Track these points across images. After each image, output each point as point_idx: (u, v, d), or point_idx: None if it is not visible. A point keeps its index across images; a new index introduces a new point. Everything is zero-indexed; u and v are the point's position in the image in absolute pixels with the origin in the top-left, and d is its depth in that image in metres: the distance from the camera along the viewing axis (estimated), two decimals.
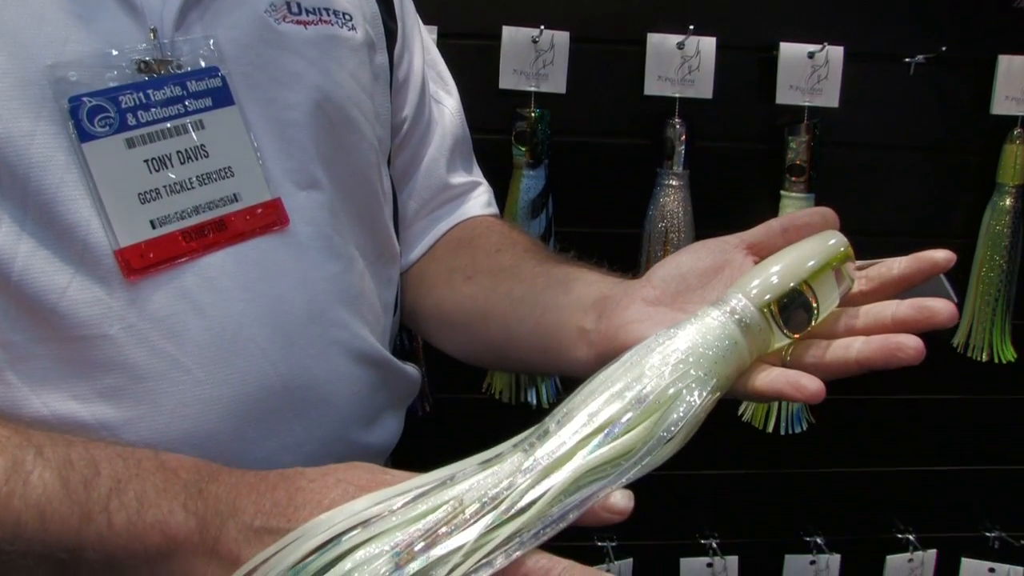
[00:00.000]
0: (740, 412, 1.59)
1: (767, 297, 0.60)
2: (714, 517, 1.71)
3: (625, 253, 1.48)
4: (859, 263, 0.66)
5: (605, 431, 0.55)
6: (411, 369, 0.91)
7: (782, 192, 1.48)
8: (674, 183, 1.43)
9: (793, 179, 1.47)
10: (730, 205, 1.50)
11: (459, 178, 1.00)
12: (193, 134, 0.69)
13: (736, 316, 0.59)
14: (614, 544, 1.66)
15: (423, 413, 1.40)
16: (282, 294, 0.73)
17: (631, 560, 1.68)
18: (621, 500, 0.53)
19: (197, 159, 0.69)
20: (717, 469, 1.67)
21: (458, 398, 1.51)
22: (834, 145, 1.50)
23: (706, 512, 1.71)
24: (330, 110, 0.77)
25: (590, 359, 0.71)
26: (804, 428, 1.59)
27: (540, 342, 0.79)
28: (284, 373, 0.72)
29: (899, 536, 1.75)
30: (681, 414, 0.56)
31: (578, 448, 0.54)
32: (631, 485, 0.54)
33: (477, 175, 1.04)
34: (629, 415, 0.55)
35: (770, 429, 1.57)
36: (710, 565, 1.70)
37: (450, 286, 0.92)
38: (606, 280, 0.77)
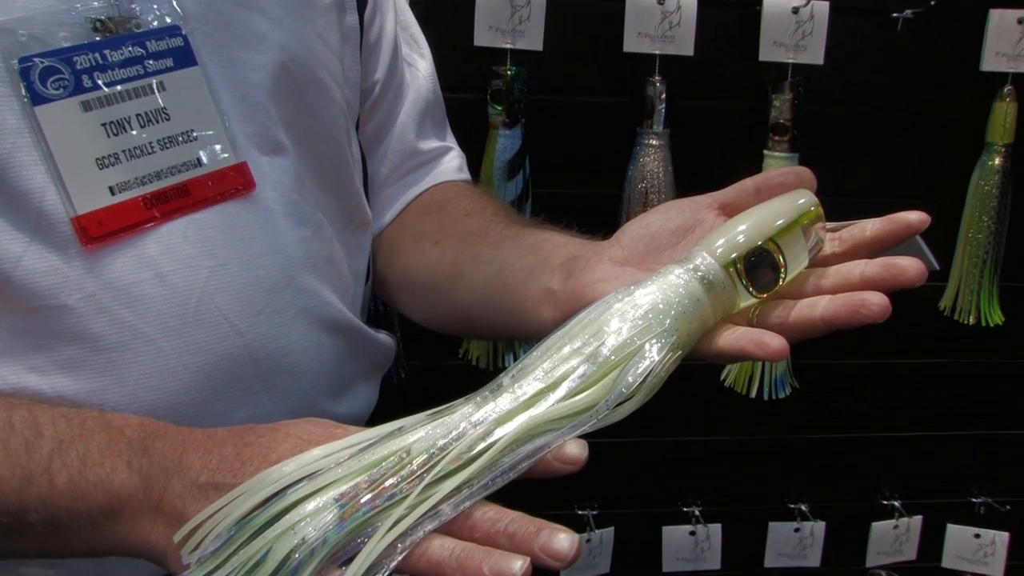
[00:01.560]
0: (723, 377, 1.59)
1: (733, 255, 0.61)
2: (697, 485, 1.73)
3: (604, 214, 1.48)
4: (832, 224, 0.67)
5: (561, 386, 0.55)
6: (384, 337, 0.91)
7: (765, 152, 1.48)
8: (654, 143, 1.43)
9: (776, 138, 1.47)
10: (712, 165, 1.50)
11: (430, 143, 1.00)
12: (154, 96, 0.69)
13: (699, 273, 0.60)
14: (595, 512, 1.68)
15: (398, 380, 1.41)
16: (248, 261, 0.73)
17: (612, 529, 1.70)
18: (575, 449, 0.53)
19: (158, 122, 0.69)
20: (699, 435, 1.69)
21: (434, 364, 1.51)
22: (819, 103, 1.50)
23: (689, 480, 1.72)
24: (296, 72, 0.77)
25: (556, 320, 0.71)
26: (788, 393, 1.60)
27: (506, 304, 0.79)
28: (250, 342, 0.73)
29: (885, 503, 1.77)
30: (640, 371, 0.56)
31: (532, 402, 0.55)
32: (595, 438, 0.54)
33: (450, 140, 1.04)
34: (586, 371, 0.56)
35: (753, 394, 1.57)
36: (693, 533, 1.72)
37: (418, 251, 0.92)
38: (574, 241, 0.78)
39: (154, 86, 0.69)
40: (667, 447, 1.68)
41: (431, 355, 1.51)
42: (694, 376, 1.57)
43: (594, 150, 1.49)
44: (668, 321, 0.58)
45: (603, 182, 1.49)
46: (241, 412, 0.73)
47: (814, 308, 0.60)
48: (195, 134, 0.70)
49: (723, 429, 1.69)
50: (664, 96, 1.42)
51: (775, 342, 0.58)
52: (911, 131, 1.55)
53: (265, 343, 0.74)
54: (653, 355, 0.57)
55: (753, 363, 1.56)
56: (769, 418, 1.67)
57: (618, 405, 0.55)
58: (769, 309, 0.63)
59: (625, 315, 0.58)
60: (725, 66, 1.48)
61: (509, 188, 1.43)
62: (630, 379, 0.56)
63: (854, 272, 0.62)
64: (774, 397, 1.59)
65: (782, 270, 0.62)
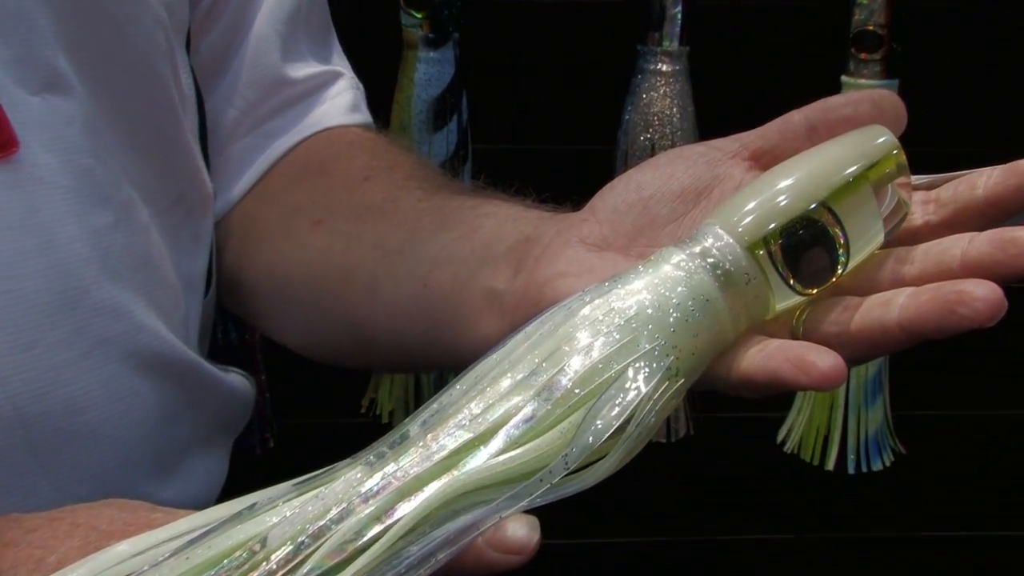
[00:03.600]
0: (780, 439, 1.60)
1: (765, 230, 0.60)
2: None
3: (588, 182, 1.47)
4: (923, 179, 0.66)
5: (497, 436, 0.55)
6: (237, 379, 0.92)
7: (844, 79, 1.49)
8: (665, 68, 1.44)
9: (863, 57, 1.47)
10: (756, 103, 1.49)
11: (306, 67, 1.01)
12: None
13: (710, 260, 0.60)
14: None
15: (262, 451, 1.41)
16: (8, 266, 0.73)
17: None
18: (520, 530, 0.53)
19: None
20: (749, 533, 1.70)
21: (320, 423, 1.51)
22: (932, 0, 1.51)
23: None
24: None
25: (502, 335, 0.67)
26: (889, 463, 1.60)
27: (427, 314, 0.80)
28: (16, 395, 0.73)
29: None
30: (619, 411, 0.56)
31: (453, 461, 0.55)
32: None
33: (337, 62, 1.05)
34: (535, 411, 0.56)
35: (829, 465, 1.57)
36: None
37: (289, 236, 0.93)
38: (529, 216, 0.78)
39: None
40: (699, 548, 1.69)
41: (316, 410, 1.52)
42: (738, 436, 1.59)
43: (571, 82, 1.50)
44: (662, 334, 0.58)
45: (586, 133, 1.50)
46: (5, 503, 0.73)
47: (889, 308, 0.59)
48: None
49: (783, 521, 1.70)
50: None
51: (825, 361, 0.56)
52: None
53: (41, 395, 0.74)
54: (639, 386, 0.57)
55: (830, 417, 1.56)
56: (857, 503, 1.68)
57: (585, 466, 0.55)
58: (824, 312, 0.62)
59: (597, 326, 0.59)
60: None
61: (436, 143, 1.43)
62: (600, 424, 0.56)
63: (953, 252, 0.60)
64: (865, 470, 1.59)
65: (841, 251, 0.62)
